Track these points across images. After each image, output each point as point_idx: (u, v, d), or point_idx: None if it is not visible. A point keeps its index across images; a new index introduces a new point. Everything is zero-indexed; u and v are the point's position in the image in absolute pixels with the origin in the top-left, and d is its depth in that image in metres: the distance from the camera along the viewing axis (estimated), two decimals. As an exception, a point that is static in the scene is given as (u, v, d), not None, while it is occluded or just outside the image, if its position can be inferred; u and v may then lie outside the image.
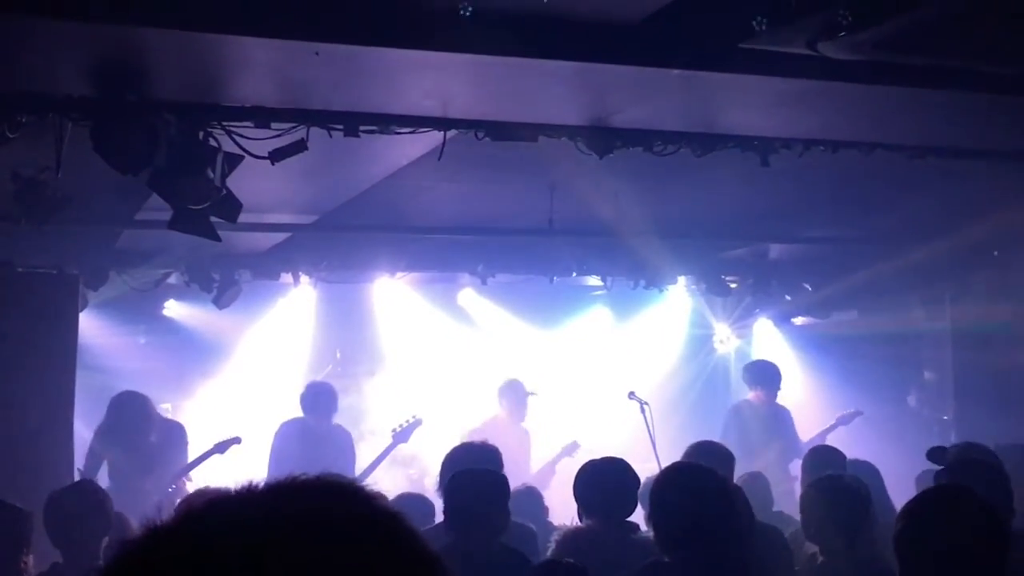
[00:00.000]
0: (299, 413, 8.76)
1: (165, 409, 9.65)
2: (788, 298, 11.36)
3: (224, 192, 5.56)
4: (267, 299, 10.46)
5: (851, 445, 7.64)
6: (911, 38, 4.47)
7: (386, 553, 1.08)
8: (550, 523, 6.18)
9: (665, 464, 5.94)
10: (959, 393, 9.99)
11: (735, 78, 5.19)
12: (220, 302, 9.38)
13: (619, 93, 5.56)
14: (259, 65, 5.02)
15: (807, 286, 11.10)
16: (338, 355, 10.99)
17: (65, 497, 5.02)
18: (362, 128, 5.56)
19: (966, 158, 6.87)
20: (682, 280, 11.00)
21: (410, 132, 5.69)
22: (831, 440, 9.04)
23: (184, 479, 7.98)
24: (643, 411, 8.30)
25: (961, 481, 4.39)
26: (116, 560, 1.06)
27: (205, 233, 5.84)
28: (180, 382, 10.47)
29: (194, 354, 10.62)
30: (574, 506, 5.11)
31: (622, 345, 11.65)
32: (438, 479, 5.41)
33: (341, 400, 9.03)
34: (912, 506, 3.46)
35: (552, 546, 4.92)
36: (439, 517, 5.14)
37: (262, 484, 1.12)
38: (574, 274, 10.26)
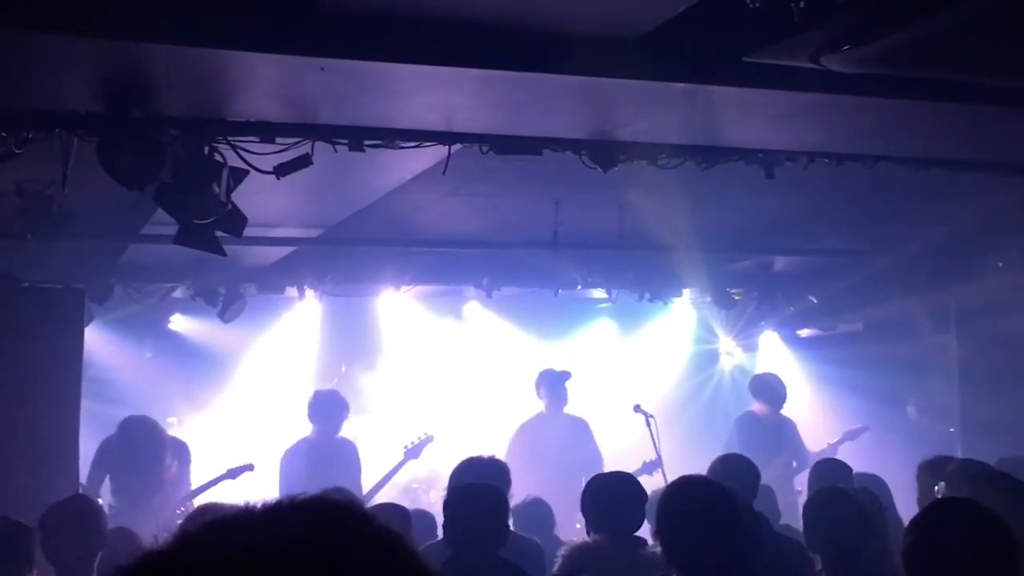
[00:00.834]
0: (304, 431, 8.68)
1: (171, 423, 9.63)
2: (793, 310, 11.35)
3: (229, 207, 5.56)
4: (272, 313, 10.46)
5: (857, 457, 7.63)
6: (915, 51, 4.47)
7: (384, 574, 1.08)
8: (557, 537, 6.17)
9: (671, 477, 5.93)
10: (965, 405, 9.96)
11: (739, 92, 5.20)
12: (225, 316, 9.39)
13: (623, 107, 5.56)
14: (264, 80, 5.03)
15: (812, 298, 11.08)
16: (343, 368, 10.99)
17: (60, 512, 4.99)
18: (367, 142, 5.56)
19: (970, 170, 6.87)
20: (687, 293, 11.00)
21: (415, 146, 5.69)
22: (838, 452, 9.02)
23: (190, 504, 7.95)
24: (649, 424, 8.29)
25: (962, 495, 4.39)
26: None
27: (210, 248, 5.85)
28: (186, 396, 10.47)
29: (200, 368, 10.62)
30: None
31: (627, 358, 11.64)
32: (441, 494, 5.41)
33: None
34: (920, 519, 3.44)
35: (559, 561, 4.91)
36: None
37: (260, 505, 1.12)
38: (579, 287, 10.26)
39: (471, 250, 9.36)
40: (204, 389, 10.68)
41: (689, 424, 10.89)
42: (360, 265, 9.51)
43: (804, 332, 11.82)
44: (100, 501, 6.98)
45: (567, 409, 9.51)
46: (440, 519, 5.08)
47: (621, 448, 9.32)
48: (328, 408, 8.63)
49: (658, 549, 4.13)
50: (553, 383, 9.47)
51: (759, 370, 10.94)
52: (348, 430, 8.89)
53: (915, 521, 3.44)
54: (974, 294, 9.70)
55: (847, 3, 4.04)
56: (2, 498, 6.39)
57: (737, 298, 10.95)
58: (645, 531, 5.06)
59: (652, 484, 5.84)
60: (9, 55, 4.50)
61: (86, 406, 7.88)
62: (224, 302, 9.31)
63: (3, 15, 4.06)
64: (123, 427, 8.11)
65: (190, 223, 5.63)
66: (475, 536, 4.68)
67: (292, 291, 9.79)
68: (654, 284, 10.27)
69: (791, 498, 8.07)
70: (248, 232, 5.98)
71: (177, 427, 9.78)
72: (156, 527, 7.26)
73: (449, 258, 9.60)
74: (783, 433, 9.54)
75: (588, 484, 5.15)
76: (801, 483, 8.99)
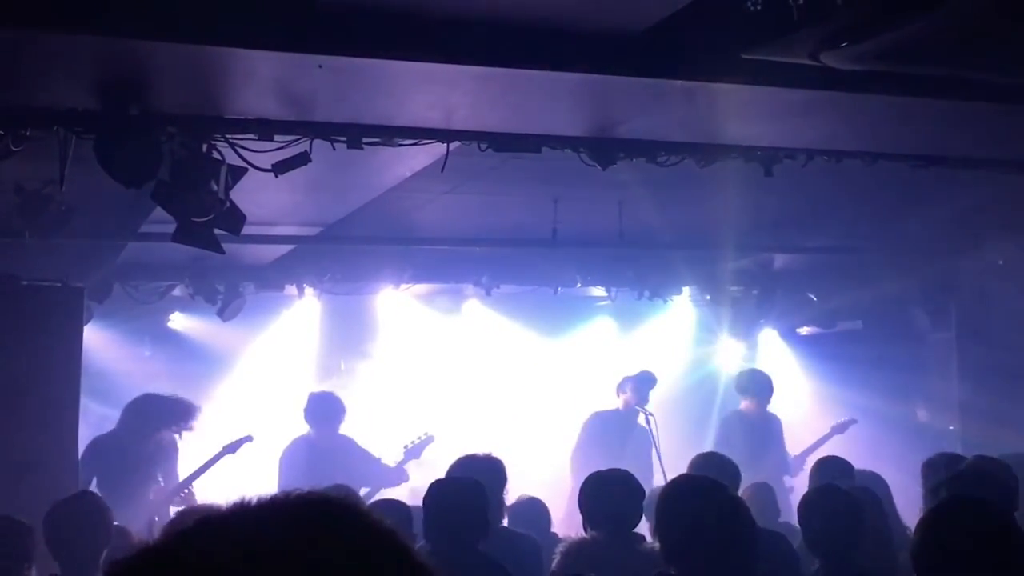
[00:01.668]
0: (303, 429, 8.68)
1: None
2: (793, 308, 11.34)
3: (227, 205, 5.56)
4: (271, 311, 10.45)
5: (856, 456, 7.61)
6: (913, 48, 4.46)
7: (377, 570, 1.08)
8: (555, 534, 6.16)
9: (670, 474, 5.93)
10: (964, 403, 9.96)
11: (738, 88, 5.19)
12: (224, 314, 9.38)
13: (622, 104, 5.56)
14: (262, 78, 5.02)
15: (812, 296, 11.08)
16: (343, 367, 10.98)
17: (65, 509, 4.99)
18: (365, 140, 5.56)
19: (970, 168, 6.87)
20: (686, 291, 10.99)
21: (413, 144, 5.69)
22: (838, 450, 9.01)
23: (190, 488, 7.94)
24: (648, 422, 8.30)
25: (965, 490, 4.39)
26: None
27: (209, 246, 5.84)
28: (185, 394, 10.45)
29: (199, 366, 10.60)
30: None
31: (627, 356, 11.63)
32: None
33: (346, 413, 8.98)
34: (929, 517, 3.43)
35: (557, 557, 4.91)
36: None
37: (254, 501, 1.11)
38: (578, 285, 10.26)
39: (470, 248, 9.35)
40: (203, 388, 10.65)
41: (689, 422, 10.87)
42: (359, 263, 9.51)
43: (804, 330, 11.81)
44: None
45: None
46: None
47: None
48: (324, 410, 8.62)
49: (656, 546, 4.13)
50: (641, 385, 9.63)
51: (760, 368, 10.93)
52: (347, 429, 8.89)
53: (924, 520, 3.43)
54: (974, 292, 9.70)
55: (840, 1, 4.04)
56: (1, 496, 6.39)
57: (737, 296, 10.94)
58: (643, 528, 5.07)
59: (648, 482, 5.82)
60: (7, 53, 4.50)
61: (84, 404, 7.87)
62: (223, 300, 9.30)
63: (1, 13, 4.06)
64: (131, 409, 8.12)
65: (188, 221, 5.62)
66: (452, 530, 4.68)
67: (291, 289, 9.79)
68: (653, 282, 10.26)
69: (783, 495, 8.07)
70: (247, 230, 5.98)
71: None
72: (151, 518, 7.28)
73: (448, 256, 9.60)
74: (771, 431, 9.54)
75: (585, 481, 5.15)
76: (791, 480, 9.02)
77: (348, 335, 10.83)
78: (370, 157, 5.82)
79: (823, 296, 10.95)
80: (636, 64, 4.87)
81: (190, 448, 8.41)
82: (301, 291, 9.78)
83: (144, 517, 7.23)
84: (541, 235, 8.17)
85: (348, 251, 9.18)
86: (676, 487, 4.32)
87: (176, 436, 8.26)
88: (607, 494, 5.01)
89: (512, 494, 5.92)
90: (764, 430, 9.45)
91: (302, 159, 5.47)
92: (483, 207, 8.03)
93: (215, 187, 5.40)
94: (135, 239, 7.93)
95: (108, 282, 8.80)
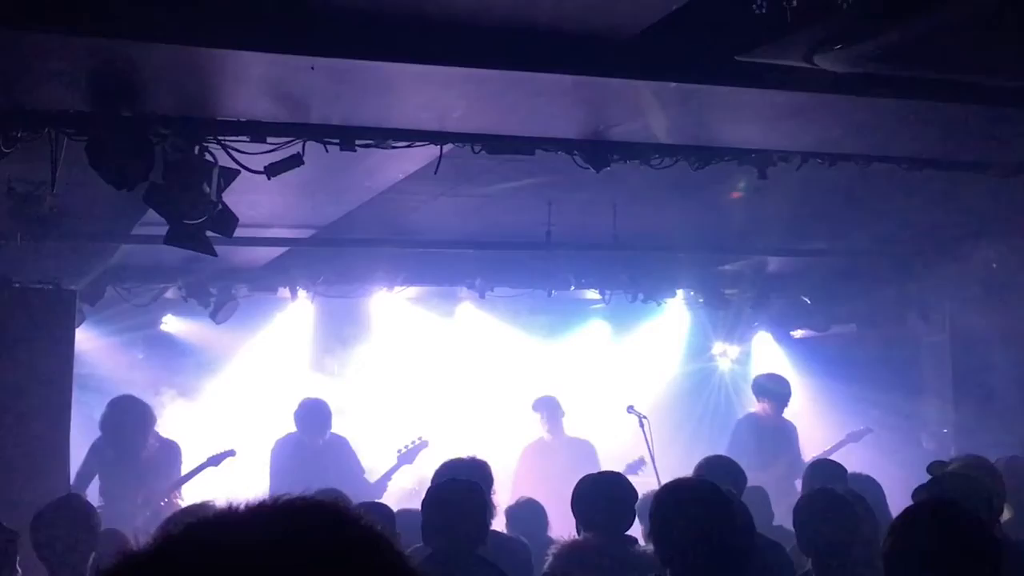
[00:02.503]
0: (293, 428, 8.72)
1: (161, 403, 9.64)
2: (787, 311, 11.34)
3: (220, 207, 5.54)
4: (265, 313, 10.44)
5: (850, 459, 7.62)
6: (907, 50, 4.46)
7: (367, 574, 1.06)
8: (550, 537, 6.15)
9: (664, 478, 5.91)
10: (959, 406, 9.96)
11: (732, 91, 5.19)
12: (217, 317, 9.37)
13: (616, 106, 5.55)
14: (254, 79, 5.01)
15: (806, 299, 11.08)
16: (336, 369, 10.96)
17: (52, 513, 4.96)
18: (358, 142, 5.55)
19: (964, 170, 6.87)
20: (680, 293, 10.99)
21: (406, 146, 5.68)
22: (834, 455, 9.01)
23: (176, 494, 7.94)
24: (642, 425, 8.28)
25: (943, 494, 4.38)
26: None
27: (201, 248, 5.82)
28: (177, 396, 10.43)
29: (192, 368, 10.59)
30: None
31: (621, 359, 11.62)
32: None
33: (339, 417, 8.98)
34: (898, 521, 3.43)
35: (549, 559, 4.90)
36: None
37: (242, 506, 1.10)
38: (572, 288, 10.23)
39: (464, 250, 9.34)
40: (196, 390, 10.64)
41: (683, 425, 10.88)
42: (353, 266, 9.49)
43: (798, 333, 11.81)
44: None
45: (568, 432, 9.67)
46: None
47: (614, 449, 9.31)
48: (312, 417, 8.67)
49: (649, 548, 4.12)
50: (552, 408, 9.63)
51: (754, 371, 10.94)
52: (341, 431, 8.89)
53: (895, 523, 3.44)
54: (968, 294, 9.71)
55: (839, 2, 4.03)
56: (-8, 499, 6.37)
57: (731, 299, 10.94)
58: (635, 530, 5.06)
59: (642, 484, 5.80)
60: (-3, 53, 4.48)
61: (76, 407, 7.84)
62: (216, 303, 9.29)
63: (-9, 13, 4.04)
64: (115, 408, 8.10)
65: (181, 223, 5.60)
66: (453, 534, 4.66)
67: (284, 292, 9.78)
68: (648, 285, 10.25)
69: (793, 499, 8.04)
70: (240, 232, 5.96)
71: (168, 425, 9.72)
72: (142, 521, 7.27)
73: (442, 259, 9.59)
74: (784, 435, 9.53)
75: (578, 483, 5.14)
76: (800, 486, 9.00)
77: (341, 338, 10.81)
78: (363, 159, 5.81)
79: (817, 299, 10.96)
80: (630, 66, 4.86)
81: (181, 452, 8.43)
82: (294, 293, 9.76)
83: (136, 520, 7.21)
84: (535, 237, 8.15)
85: (341, 253, 9.16)
86: (672, 490, 4.31)
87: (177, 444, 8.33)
88: (599, 496, 5.00)
89: (501, 496, 5.91)
90: (778, 434, 9.43)
91: (295, 161, 5.45)
92: (477, 209, 8.02)
93: (207, 189, 5.38)
94: (127, 241, 7.91)
95: (100, 284, 8.77)
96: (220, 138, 5.37)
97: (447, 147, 5.74)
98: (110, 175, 5.10)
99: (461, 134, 5.73)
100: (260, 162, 5.44)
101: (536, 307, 10.68)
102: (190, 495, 7.93)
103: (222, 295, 9.30)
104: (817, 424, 10.29)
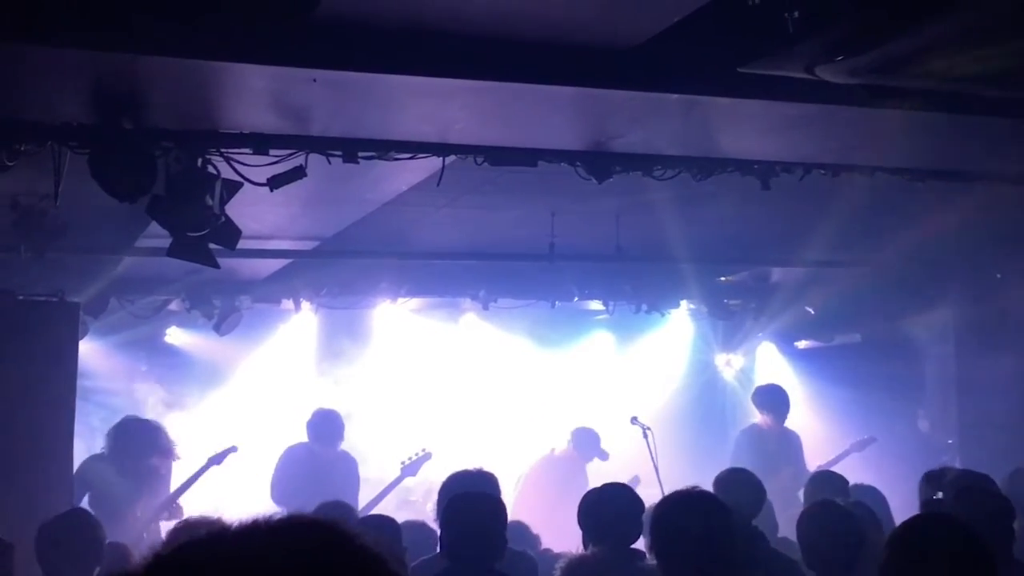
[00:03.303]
0: (303, 438, 8.72)
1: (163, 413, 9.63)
2: (791, 322, 11.32)
3: (223, 219, 5.55)
4: (268, 325, 10.44)
5: (855, 469, 7.59)
6: (909, 61, 4.46)
7: None
8: (548, 550, 6.12)
9: (668, 489, 5.88)
10: (964, 416, 9.93)
11: (734, 102, 5.19)
12: (221, 329, 9.37)
13: (618, 118, 5.55)
14: (257, 92, 5.01)
15: (809, 309, 11.06)
16: (339, 381, 10.95)
17: (57, 527, 4.96)
18: (361, 154, 5.55)
19: (967, 181, 6.85)
20: (684, 304, 10.98)
21: (409, 158, 5.68)
22: (839, 463, 8.98)
23: (177, 503, 7.90)
24: (646, 436, 8.26)
25: (962, 509, 4.36)
26: None
27: (204, 260, 5.83)
28: (181, 408, 10.43)
29: (195, 381, 10.59)
30: None
31: (624, 370, 11.61)
32: (435, 506, 5.36)
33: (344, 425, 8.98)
34: (897, 534, 3.42)
35: (557, 573, 4.86)
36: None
37: (236, 525, 1.10)
38: (576, 299, 10.24)
39: (467, 262, 9.34)
40: (200, 402, 10.64)
41: (686, 436, 10.84)
42: (356, 277, 9.49)
43: (802, 344, 11.79)
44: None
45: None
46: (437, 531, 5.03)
47: (618, 460, 9.29)
48: (325, 427, 8.68)
49: (654, 562, 4.10)
50: (588, 444, 9.75)
51: (757, 382, 10.91)
52: (345, 444, 8.88)
53: (892, 536, 3.43)
54: (972, 306, 9.69)
55: (840, 14, 4.03)
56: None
57: (734, 309, 10.92)
58: (640, 543, 5.03)
59: (647, 497, 5.78)
60: (1, 67, 4.48)
61: (79, 418, 7.83)
62: (219, 315, 9.30)
63: (-5, 27, 4.05)
64: (121, 430, 8.07)
65: (184, 236, 5.61)
66: (472, 548, 4.61)
67: (288, 303, 9.78)
68: (651, 296, 10.25)
69: (796, 510, 8.02)
70: (243, 244, 5.96)
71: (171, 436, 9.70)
72: (139, 534, 7.24)
73: (445, 270, 9.59)
74: (788, 445, 9.50)
75: (585, 496, 5.11)
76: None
77: (345, 349, 10.81)
78: (366, 171, 5.81)
79: (821, 310, 10.93)
80: (632, 78, 4.86)
81: (180, 462, 8.38)
82: (298, 305, 9.77)
83: (132, 534, 7.17)
84: (538, 249, 8.15)
85: (345, 265, 9.16)
86: (672, 502, 4.29)
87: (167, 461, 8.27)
88: (607, 509, 4.97)
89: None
90: (781, 445, 9.40)
91: (297, 173, 5.46)
92: (480, 221, 8.02)
93: (210, 201, 5.38)
94: (131, 253, 7.92)
95: (104, 296, 8.78)
96: (223, 150, 5.38)
97: (449, 159, 5.75)
98: (113, 188, 5.11)
99: (463, 146, 5.73)
100: (263, 174, 5.44)
101: (540, 318, 10.67)
102: (195, 501, 7.91)
103: (225, 307, 9.31)
104: (821, 434, 10.25)
